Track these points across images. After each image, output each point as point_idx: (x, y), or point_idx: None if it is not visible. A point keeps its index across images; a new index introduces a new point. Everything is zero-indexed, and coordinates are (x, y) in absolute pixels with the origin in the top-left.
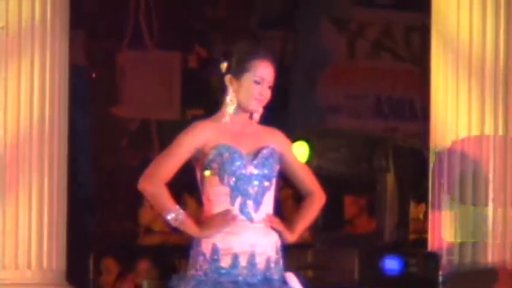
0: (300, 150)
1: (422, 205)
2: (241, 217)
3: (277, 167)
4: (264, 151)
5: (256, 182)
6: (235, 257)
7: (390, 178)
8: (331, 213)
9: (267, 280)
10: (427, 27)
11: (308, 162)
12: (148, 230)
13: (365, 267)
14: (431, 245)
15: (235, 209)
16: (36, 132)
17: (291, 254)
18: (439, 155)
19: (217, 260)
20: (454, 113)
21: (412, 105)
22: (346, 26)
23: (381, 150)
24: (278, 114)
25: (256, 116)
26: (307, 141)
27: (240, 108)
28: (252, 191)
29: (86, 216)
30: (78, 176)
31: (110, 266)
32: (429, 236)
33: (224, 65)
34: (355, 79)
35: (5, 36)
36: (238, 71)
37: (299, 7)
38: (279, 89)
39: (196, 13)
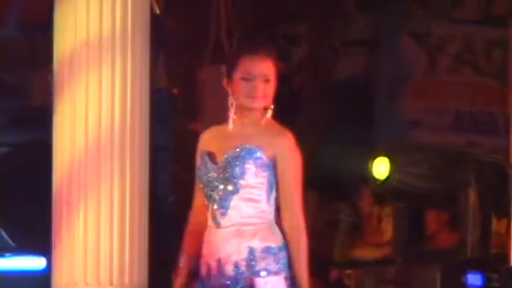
0: (381, 166)
1: (504, 220)
2: (211, 223)
3: (249, 167)
4: (231, 152)
5: (220, 187)
6: (207, 265)
7: (472, 193)
8: (413, 229)
9: (233, 285)
10: (508, 42)
11: (389, 178)
12: None
13: (447, 283)
14: None
15: (209, 216)
16: (118, 146)
17: (372, 270)
18: None
19: (199, 270)
20: None
21: (494, 119)
22: (427, 41)
23: (462, 165)
24: (361, 129)
25: (269, 113)
26: (388, 156)
27: (243, 108)
28: (216, 195)
29: (169, 232)
30: (159, 192)
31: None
32: (511, 251)
33: (223, 69)
34: (435, 93)
35: (86, 48)
36: (229, 72)
37: (381, 23)
38: (362, 104)
39: (276, 29)
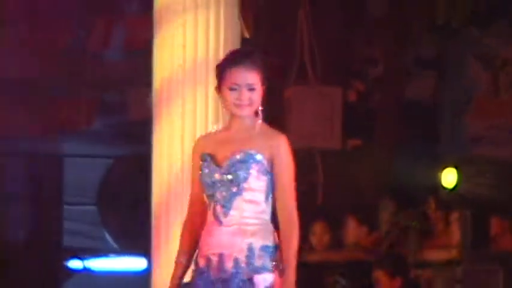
0: (450, 176)
1: None
2: (213, 220)
3: (252, 172)
4: (235, 156)
5: (223, 188)
6: (208, 258)
7: None
8: (478, 233)
9: (233, 277)
10: None
11: (457, 187)
12: (310, 248)
13: (510, 285)
14: None
15: (210, 214)
16: None
17: (441, 270)
18: None
19: (197, 262)
20: None
21: None
22: (492, 63)
23: None
24: (431, 144)
25: (259, 120)
26: (456, 167)
27: (233, 116)
28: (219, 196)
29: None
30: None
31: None
32: None
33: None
34: (499, 111)
35: (183, 71)
36: (218, 83)
37: (449, 47)
38: (431, 121)
39: (355, 52)
